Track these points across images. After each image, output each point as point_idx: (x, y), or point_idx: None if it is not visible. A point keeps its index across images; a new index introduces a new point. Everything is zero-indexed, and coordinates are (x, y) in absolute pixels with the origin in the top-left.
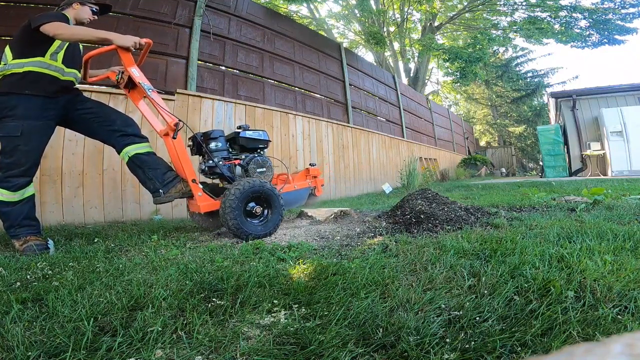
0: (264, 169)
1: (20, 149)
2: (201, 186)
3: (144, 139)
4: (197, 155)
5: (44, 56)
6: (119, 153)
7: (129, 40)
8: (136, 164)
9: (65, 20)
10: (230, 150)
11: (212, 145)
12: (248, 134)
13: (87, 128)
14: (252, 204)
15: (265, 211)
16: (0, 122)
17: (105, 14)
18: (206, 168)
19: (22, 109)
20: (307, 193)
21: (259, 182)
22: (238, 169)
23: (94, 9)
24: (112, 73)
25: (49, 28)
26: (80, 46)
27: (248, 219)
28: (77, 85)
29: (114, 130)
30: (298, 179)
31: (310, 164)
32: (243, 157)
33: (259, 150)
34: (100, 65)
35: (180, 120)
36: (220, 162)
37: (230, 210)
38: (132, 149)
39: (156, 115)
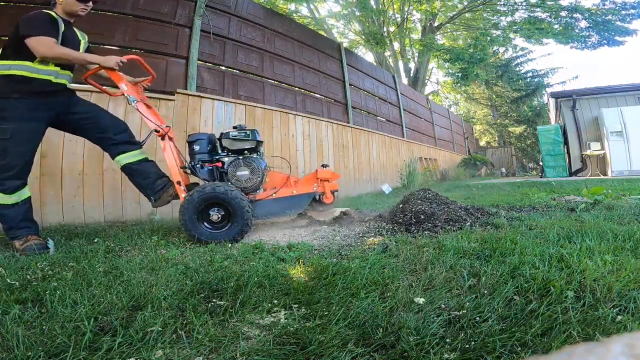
0: (246, 172)
1: (11, 151)
2: (183, 188)
3: (135, 146)
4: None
5: (32, 61)
6: (112, 159)
7: (112, 61)
8: (128, 173)
9: (50, 22)
10: (220, 152)
11: (194, 147)
12: (231, 134)
13: (79, 131)
14: (212, 210)
15: (227, 218)
16: None
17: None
18: (189, 171)
19: (10, 111)
20: (306, 200)
21: (224, 189)
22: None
23: None
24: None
25: (34, 45)
26: (82, 47)
27: (204, 224)
28: (70, 86)
29: (106, 138)
30: (303, 182)
31: (322, 165)
32: (226, 159)
33: (245, 152)
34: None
35: (161, 127)
36: (198, 165)
37: (183, 214)
38: (123, 159)
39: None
